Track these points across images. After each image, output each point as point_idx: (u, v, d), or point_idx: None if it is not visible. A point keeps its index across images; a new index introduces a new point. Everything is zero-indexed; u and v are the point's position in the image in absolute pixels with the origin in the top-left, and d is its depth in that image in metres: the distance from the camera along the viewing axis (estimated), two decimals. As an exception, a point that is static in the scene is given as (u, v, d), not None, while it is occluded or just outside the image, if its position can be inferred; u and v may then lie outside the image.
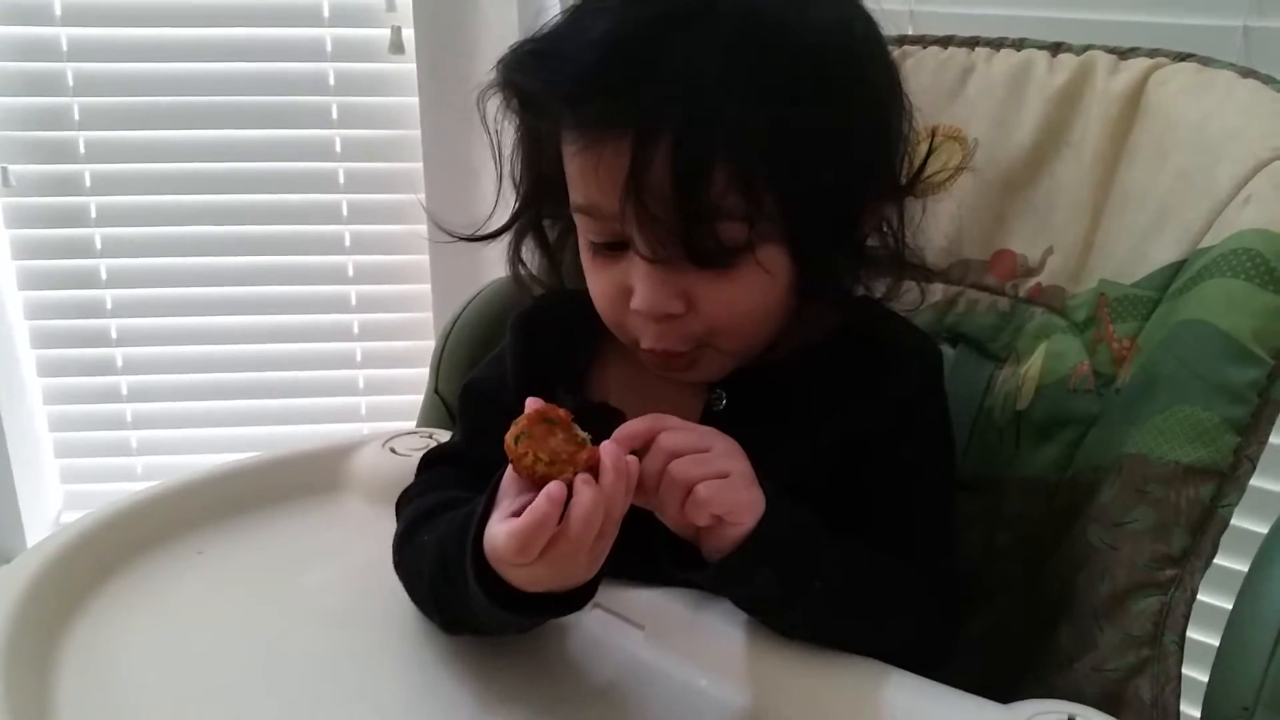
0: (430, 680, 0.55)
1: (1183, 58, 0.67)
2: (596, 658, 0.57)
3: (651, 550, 0.58)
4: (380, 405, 1.52)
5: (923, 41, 0.79)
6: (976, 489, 0.69)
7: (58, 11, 1.32)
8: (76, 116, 1.37)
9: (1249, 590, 0.54)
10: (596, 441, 0.50)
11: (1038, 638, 0.62)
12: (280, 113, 1.38)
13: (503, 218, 0.65)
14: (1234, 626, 0.53)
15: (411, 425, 0.84)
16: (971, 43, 0.77)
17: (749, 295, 0.55)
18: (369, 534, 0.64)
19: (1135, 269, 0.63)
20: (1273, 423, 0.54)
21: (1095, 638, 0.57)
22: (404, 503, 0.64)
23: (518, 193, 0.63)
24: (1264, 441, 0.54)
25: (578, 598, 0.53)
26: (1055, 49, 0.73)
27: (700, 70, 0.50)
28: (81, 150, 1.39)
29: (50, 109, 1.37)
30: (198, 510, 0.70)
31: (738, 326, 0.57)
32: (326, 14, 1.34)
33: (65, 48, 1.34)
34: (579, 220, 0.58)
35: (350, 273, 1.46)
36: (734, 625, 0.56)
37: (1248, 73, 0.63)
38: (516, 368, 0.65)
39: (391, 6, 1.32)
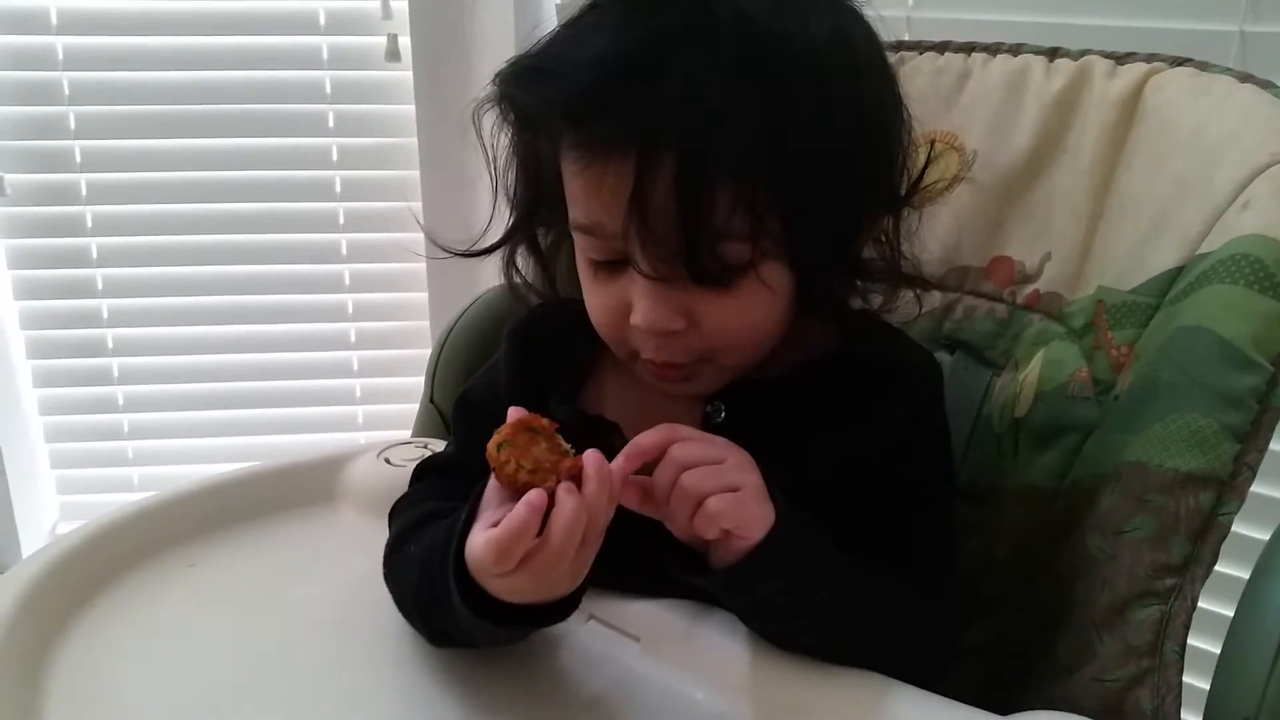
0: (423, 693, 0.55)
1: (1180, 62, 0.67)
2: (591, 669, 0.57)
3: (647, 562, 0.58)
4: (377, 414, 1.51)
5: (919, 47, 0.78)
6: (974, 497, 0.69)
7: (54, 20, 1.32)
8: (72, 125, 1.37)
9: (1250, 598, 0.54)
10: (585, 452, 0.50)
11: (1036, 648, 0.61)
12: (276, 121, 1.38)
13: (498, 232, 0.64)
14: (1235, 635, 0.53)
15: (407, 435, 0.84)
16: (968, 48, 0.76)
17: (750, 312, 0.55)
18: (363, 546, 0.64)
19: (1133, 275, 0.63)
20: (1273, 430, 0.54)
21: (1095, 647, 0.56)
22: (396, 513, 0.63)
23: (513, 206, 0.63)
24: (1264, 449, 0.54)
25: (561, 609, 0.52)
26: (1052, 54, 0.72)
27: (703, 89, 0.49)
28: (77, 159, 1.38)
29: (46, 117, 1.36)
30: (190, 523, 0.69)
31: (739, 342, 0.57)
32: (323, 21, 1.34)
33: (61, 56, 1.34)
34: (578, 238, 0.57)
35: (347, 281, 1.46)
36: (731, 637, 0.56)
37: (1245, 77, 0.63)
38: (511, 379, 0.64)
39: (388, 14, 1.32)
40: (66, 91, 1.35)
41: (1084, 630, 0.57)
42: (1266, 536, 0.56)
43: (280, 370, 1.49)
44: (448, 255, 0.65)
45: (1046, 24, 1.00)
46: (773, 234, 0.52)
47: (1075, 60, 0.71)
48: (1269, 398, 0.53)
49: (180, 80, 1.36)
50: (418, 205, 1.37)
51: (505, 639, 0.56)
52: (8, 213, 1.40)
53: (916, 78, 0.77)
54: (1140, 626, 0.55)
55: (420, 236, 1.38)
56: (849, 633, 0.54)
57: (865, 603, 0.55)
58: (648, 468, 0.51)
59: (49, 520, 1.53)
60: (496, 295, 0.85)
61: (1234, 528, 0.54)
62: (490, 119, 0.59)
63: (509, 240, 0.64)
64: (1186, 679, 0.54)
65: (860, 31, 0.56)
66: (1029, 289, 0.71)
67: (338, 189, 1.42)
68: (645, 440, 0.51)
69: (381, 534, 0.62)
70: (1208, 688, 0.54)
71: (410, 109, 1.35)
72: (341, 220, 1.43)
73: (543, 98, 0.54)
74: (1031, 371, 0.68)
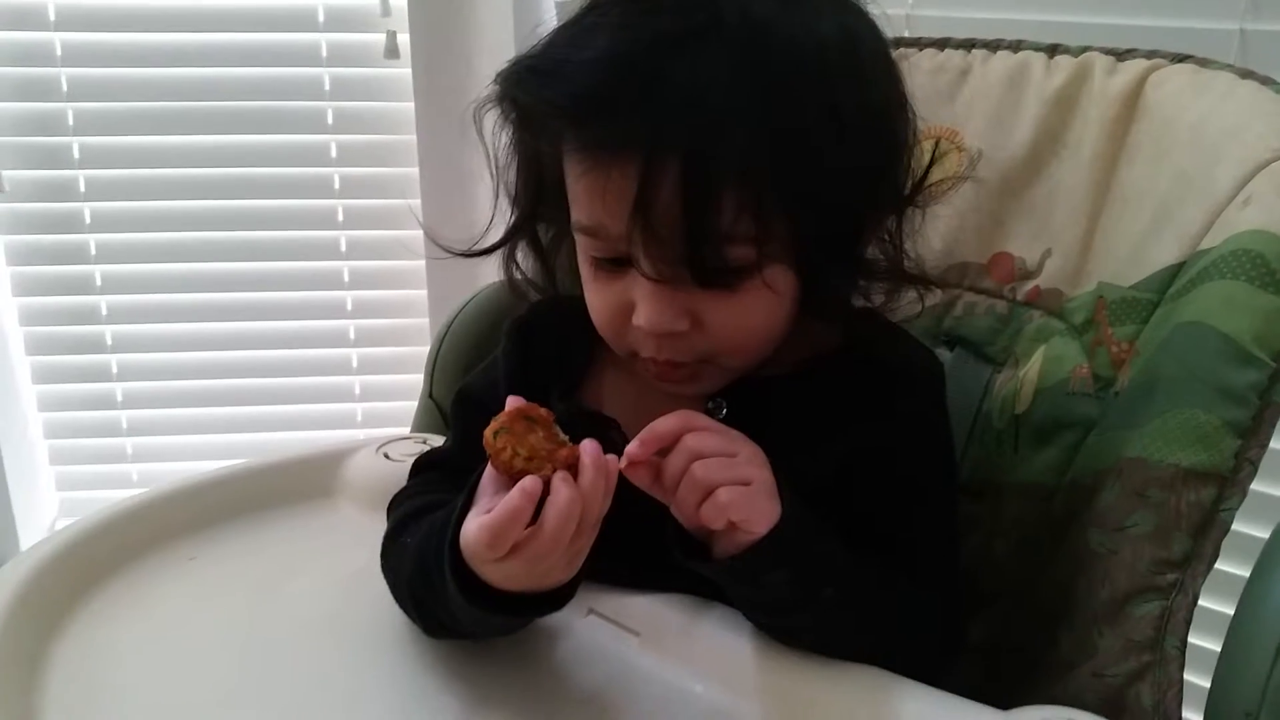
0: (422, 686, 0.55)
1: (1180, 59, 0.67)
2: (590, 664, 0.56)
3: (647, 555, 0.58)
4: (377, 412, 1.51)
5: (919, 44, 0.78)
6: (975, 494, 0.69)
7: (52, 16, 1.32)
8: (71, 121, 1.37)
9: (1251, 595, 0.54)
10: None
11: (1037, 644, 0.61)
12: (275, 118, 1.38)
13: (498, 231, 0.64)
14: (1236, 632, 0.53)
15: (406, 431, 0.84)
16: (968, 45, 0.76)
17: (754, 314, 0.55)
18: (362, 540, 0.64)
19: (1134, 271, 0.63)
20: (1274, 425, 0.54)
21: (1095, 643, 0.56)
22: (394, 507, 0.63)
23: (513, 205, 0.62)
24: (1265, 444, 0.54)
25: (555, 599, 0.52)
26: (1052, 50, 0.72)
27: (708, 92, 0.49)
28: (76, 155, 1.38)
29: (45, 114, 1.36)
30: (189, 516, 0.69)
31: (743, 344, 0.57)
32: (322, 19, 1.34)
33: (60, 52, 1.34)
34: (580, 238, 0.57)
35: (346, 278, 1.46)
36: (730, 632, 0.56)
37: (1246, 73, 0.63)
38: (510, 374, 0.64)
39: (387, 11, 1.32)
40: (65, 88, 1.35)
41: (1085, 626, 0.57)
42: (1267, 535, 0.56)
43: (280, 367, 1.49)
44: (448, 255, 0.65)
45: (1046, 21, 1.00)
46: (778, 237, 0.52)
47: (1075, 57, 0.71)
48: (1270, 393, 0.53)
49: (179, 77, 1.36)
50: (417, 203, 1.37)
51: (500, 628, 0.56)
52: (6, 209, 1.40)
53: (916, 74, 0.76)
54: (1141, 622, 0.55)
55: (420, 234, 1.38)
56: (852, 628, 0.54)
57: (869, 599, 0.55)
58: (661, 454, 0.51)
59: (48, 516, 1.53)
60: (495, 291, 0.85)
61: (1235, 526, 0.54)
62: (491, 118, 0.59)
63: (510, 240, 0.64)
64: (1187, 677, 0.54)
65: (866, 31, 0.56)
66: (1029, 285, 0.71)
67: (337, 186, 1.41)
68: (661, 426, 0.51)
69: (380, 529, 0.62)
70: (1208, 685, 0.54)
71: (409, 106, 1.35)
72: (340, 217, 1.43)
73: (545, 99, 0.53)
74: (1032, 368, 0.68)
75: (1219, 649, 0.54)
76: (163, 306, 1.45)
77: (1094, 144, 0.68)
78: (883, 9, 0.58)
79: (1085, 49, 0.71)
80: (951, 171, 0.74)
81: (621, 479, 0.51)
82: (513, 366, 0.64)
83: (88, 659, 0.56)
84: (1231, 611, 0.54)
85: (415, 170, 1.37)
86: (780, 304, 0.56)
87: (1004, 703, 0.51)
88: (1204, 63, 0.66)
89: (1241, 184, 0.58)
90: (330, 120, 1.39)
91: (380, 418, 1.51)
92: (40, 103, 1.36)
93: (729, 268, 0.52)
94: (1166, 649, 0.54)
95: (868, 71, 0.55)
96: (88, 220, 1.41)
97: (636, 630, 0.58)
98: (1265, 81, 0.62)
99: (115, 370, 1.48)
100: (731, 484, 0.49)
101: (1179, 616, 0.54)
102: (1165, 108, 0.65)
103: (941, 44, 0.77)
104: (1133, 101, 0.67)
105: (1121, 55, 0.69)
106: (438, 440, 0.75)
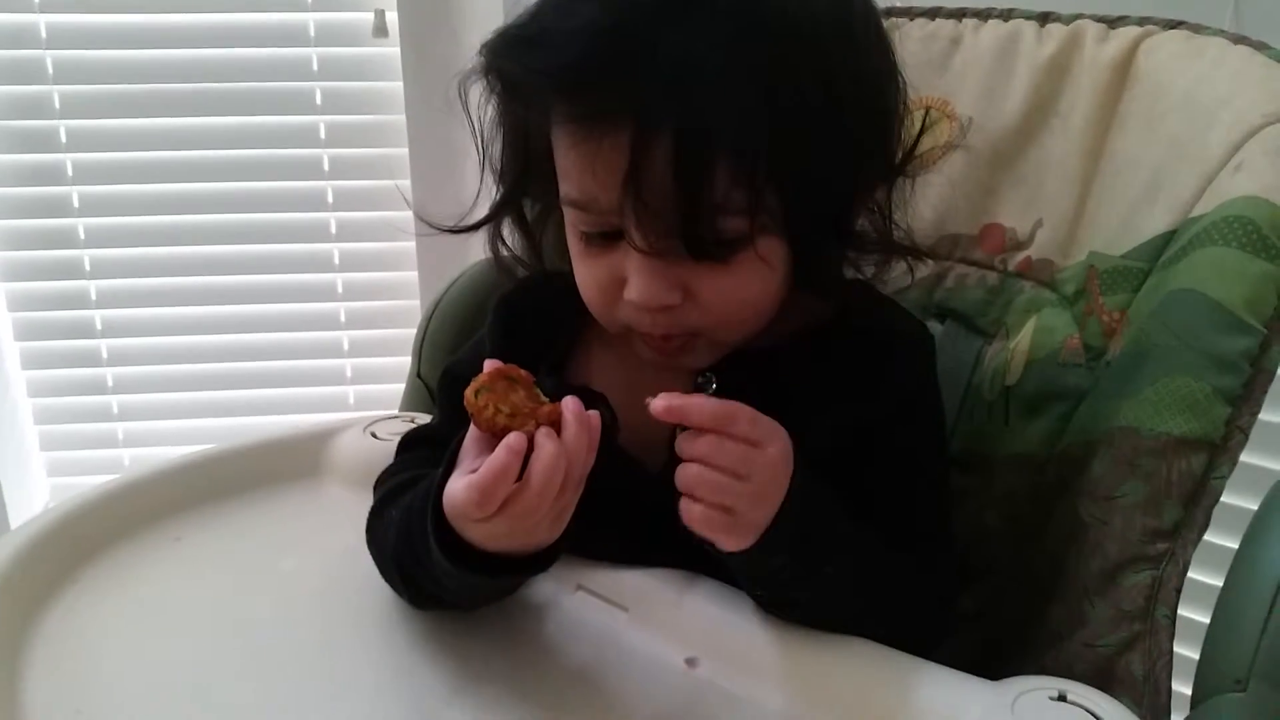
0: (409, 663, 0.54)
1: (1173, 25, 0.66)
2: (579, 638, 0.56)
3: (634, 530, 0.57)
4: (368, 394, 1.51)
5: (909, 13, 0.77)
6: (966, 467, 0.68)
7: (36, -1, 1.31)
8: (57, 105, 1.36)
9: (1241, 563, 0.53)
10: None
11: (1028, 615, 0.61)
12: (263, 98, 1.37)
13: (485, 208, 0.63)
14: (1226, 600, 0.52)
15: (396, 411, 0.83)
16: (958, 14, 0.75)
17: (747, 286, 0.54)
18: (349, 519, 0.63)
19: (1125, 240, 0.62)
20: (1265, 393, 0.54)
21: (1086, 613, 0.56)
22: (380, 484, 0.63)
23: (499, 180, 0.62)
24: (1256, 412, 0.53)
25: (540, 561, 0.52)
26: (1043, 19, 0.71)
27: (700, 61, 0.48)
28: (63, 139, 1.37)
29: (30, 97, 1.35)
30: (175, 497, 0.68)
31: (735, 317, 0.56)
32: (309, -2, 1.33)
33: (44, 34, 1.32)
34: (569, 212, 0.56)
35: (336, 260, 1.45)
36: (719, 606, 0.56)
37: (1239, 39, 0.62)
38: (496, 352, 0.63)
39: (374, -10, 1.31)
40: (50, 70, 1.34)
41: (1076, 596, 0.57)
42: (1256, 507, 0.55)
43: (270, 350, 1.48)
44: (436, 231, 0.64)
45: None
46: (770, 208, 0.51)
47: (1067, 25, 0.70)
48: (1261, 360, 0.53)
49: (166, 58, 1.35)
50: (406, 184, 1.36)
51: (484, 593, 0.55)
52: (-6, 194, 1.39)
53: (907, 44, 0.76)
54: (1132, 591, 0.55)
55: (409, 215, 1.38)
56: (847, 601, 0.53)
57: (866, 574, 0.54)
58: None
59: (39, 502, 1.53)
60: (483, 269, 0.84)
61: (1225, 498, 0.54)
62: (476, 93, 0.58)
63: (497, 215, 0.63)
64: (1177, 649, 0.54)
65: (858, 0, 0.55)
66: (1020, 256, 0.70)
67: (326, 167, 1.41)
68: (697, 412, 0.48)
69: (368, 508, 0.61)
70: (1197, 657, 0.54)
71: (398, 86, 1.34)
72: (330, 199, 1.42)
73: (532, 69, 0.52)
74: (1022, 339, 0.68)
75: (1208, 622, 0.54)
76: (152, 290, 1.45)
77: (1085, 112, 0.67)
78: (872, -25, 0.57)
79: (1077, 17, 0.70)
80: (943, 140, 0.73)
81: (608, 453, 0.50)
82: (499, 344, 0.64)
83: (72, 639, 0.56)
84: (1221, 584, 0.54)
85: (404, 150, 1.36)
86: (773, 276, 0.55)
87: (995, 673, 0.51)
88: (1196, 29, 0.65)
89: (1234, 150, 0.57)
90: (319, 101, 1.38)
91: (372, 400, 1.50)
92: (26, 85, 1.34)
93: (722, 239, 0.52)
94: (1157, 618, 0.54)
95: (860, 40, 0.54)
96: (76, 204, 1.40)
97: (625, 605, 0.58)
98: (1258, 47, 0.62)
99: (105, 355, 1.47)
100: (712, 507, 0.48)
101: (1170, 586, 0.54)
102: (1157, 75, 0.64)
103: (933, 13, 0.76)
104: (1124, 69, 0.66)
105: (1113, 23, 0.68)
106: (425, 419, 0.75)
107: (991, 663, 0.53)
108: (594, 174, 0.51)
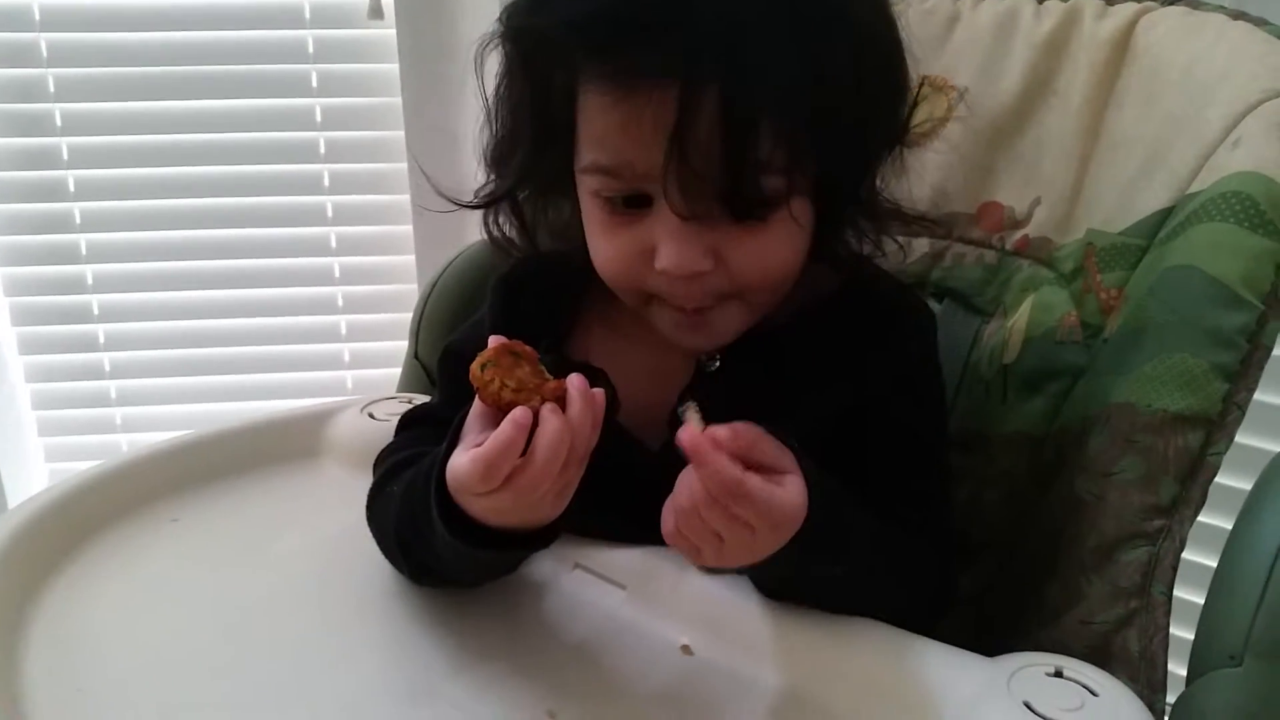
0: (407, 641, 0.54)
1: (1171, 2, 0.66)
2: (577, 617, 0.56)
3: (631, 509, 0.57)
4: (366, 379, 1.50)
5: (908, -10, 0.77)
6: (964, 445, 0.68)
7: (29, -19, 1.30)
8: (52, 88, 1.35)
9: (1236, 541, 0.53)
10: None
11: (1025, 592, 0.61)
12: (259, 81, 1.36)
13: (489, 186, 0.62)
14: (1221, 576, 0.52)
15: (393, 392, 0.83)
16: (957, -9, 0.75)
17: (778, 248, 0.54)
18: (347, 500, 0.63)
19: (1123, 217, 0.62)
20: (1262, 369, 0.54)
21: (1083, 590, 0.56)
22: (379, 463, 0.63)
23: (505, 160, 0.60)
24: (1253, 388, 0.53)
25: (542, 536, 0.52)
26: (1041, -5, 0.71)
27: (741, 18, 0.47)
28: (58, 123, 1.36)
29: (25, 81, 1.34)
30: (172, 477, 0.69)
31: (766, 280, 0.55)
32: (304, -21, 1.32)
33: (38, 17, 1.31)
34: (595, 180, 0.54)
35: (333, 244, 1.44)
36: (717, 584, 0.56)
37: (1238, 15, 0.62)
38: (497, 331, 0.63)
39: (370, -29, 1.30)
40: (45, 54, 1.33)
41: (1072, 573, 0.57)
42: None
43: (268, 335, 1.48)
44: (439, 209, 0.63)
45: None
46: (805, 167, 0.51)
47: (1065, 2, 0.70)
48: (1259, 336, 0.53)
49: (161, 41, 1.34)
50: (403, 166, 1.35)
51: (485, 567, 0.55)
52: (-11, 179, 1.38)
53: (905, 22, 0.75)
54: (1128, 568, 0.55)
55: (407, 199, 1.37)
56: (857, 593, 0.53)
57: (876, 565, 0.54)
58: None
59: (38, 487, 1.52)
60: (479, 250, 0.84)
61: (1220, 478, 0.54)
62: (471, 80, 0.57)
63: (514, 190, 0.61)
64: (1172, 629, 0.54)
65: None
66: (1018, 234, 0.70)
67: (322, 150, 1.40)
68: (723, 433, 0.45)
69: (365, 488, 0.61)
70: (1192, 637, 0.54)
71: (394, 68, 1.33)
72: (327, 182, 1.41)
73: (564, 21, 0.50)
74: (1020, 317, 0.68)
75: (1203, 602, 0.54)
76: (150, 275, 1.44)
77: (1083, 90, 0.67)
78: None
79: (1075, -8, 0.70)
80: (938, 113, 0.73)
81: (608, 430, 0.50)
82: (498, 323, 0.63)
83: (71, 619, 0.56)
84: (1215, 564, 0.54)
85: (401, 133, 1.35)
86: (802, 238, 0.55)
87: (991, 650, 0.51)
88: (1195, 5, 0.65)
89: (1232, 125, 0.57)
90: (315, 83, 1.37)
91: (370, 384, 1.50)
92: (20, 69, 1.33)
93: (764, 199, 0.51)
94: (1153, 595, 0.54)
95: (881, 9, 0.55)
96: (72, 188, 1.39)
97: (623, 584, 0.58)
98: (1257, 23, 0.61)
99: (102, 340, 1.46)
100: (705, 540, 0.47)
101: (1166, 562, 0.54)
102: (1156, 51, 0.64)
103: (930, -10, 0.76)
104: (1123, 46, 0.66)
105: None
106: (423, 400, 0.75)
107: (988, 639, 0.53)
108: (635, 135, 0.50)
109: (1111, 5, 0.68)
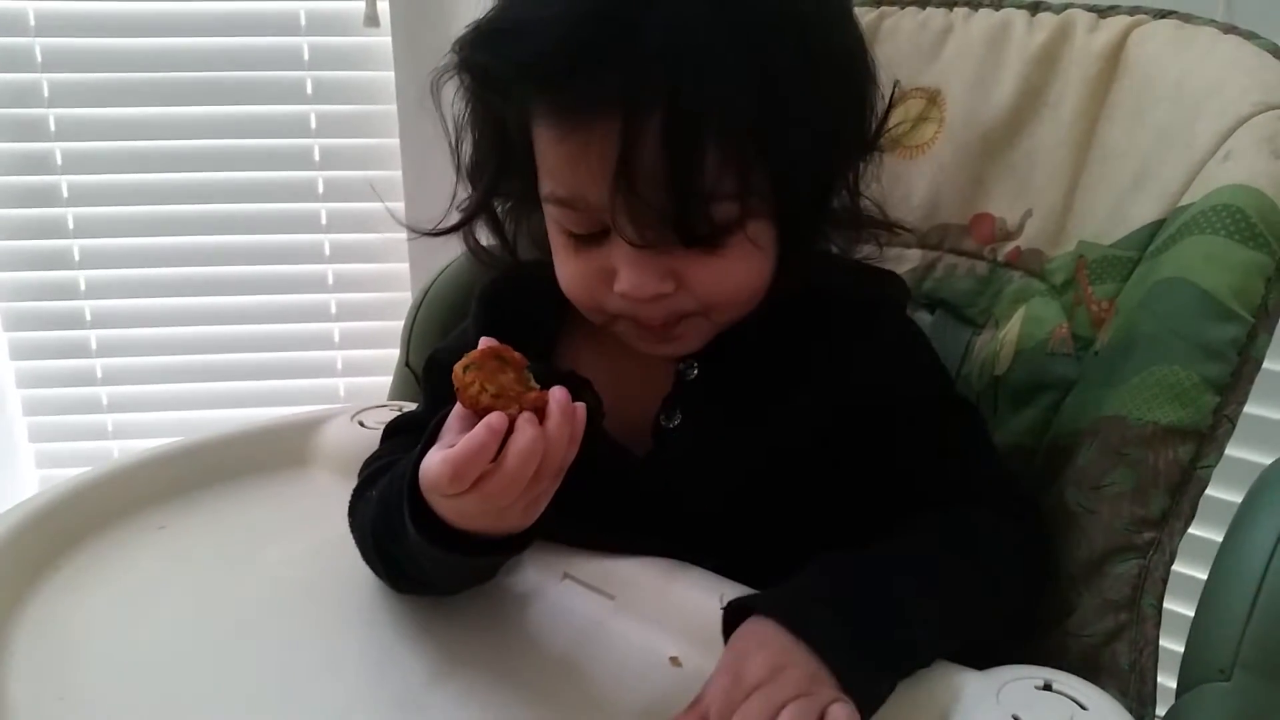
0: (397, 650, 0.54)
1: (1163, 15, 0.66)
2: (566, 626, 0.56)
3: (624, 515, 0.57)
4: (359, 386, 1.50)
5: (900, 2, 0.77)
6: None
7: (25, -13, 1.30)
8: (46, 93, 1.35)
9: (1226, 554, 0.53)
10: None
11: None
12: (254, 88, 1.36)
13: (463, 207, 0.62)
14: (1211, 589, 0.52)
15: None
16: (949, 3, 0.75)
17: (738, 271, 0.54)
18: (337, 508, 0.63)
19: (1114, 229, 0.62)
20: (1252, 382, 0.53)
21: (1073, 602, 0.56)
22: (364, 470, 0.63)
23: (474, 182, 0.60)
24: (1243, 401, 0.53)
25: (512, 544, 0.52)
26: (1034, 8, 0.71)
27: (685, 42, 0.47)
28: (52, 129, 1.36)
29: (19, 86, 1.34)
30: (160, 485, 0.68)
31: (728, 301, 0.55)
32: (300, -13, 1.32)
33: (33, 21, 1.31)
34: (553, 210, 0.55)
35: (327, 252, 1.44)
36: (705, 594, 0.55)
37: (1229, 29, 0.62)
38: (479, 341, 0.63)
39: (365, -22, 1.30)
40: (39, 59, 1.33)
41: (1062, 586, 0.57)
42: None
43: (261, 342, 1.48)
44: (416, 236, 0.63)
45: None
46: (759, 190, 0.51)
47: (1057, 14, 0.70)
48: (1249, 349, 0.53)
49: (156, 47, 1.34)
50: (397, 174, 1.35)
51: (458, 571, 0.55)
52: (-18, 183, 1.38)
53: (898, 33, 0.76)
54: (1118, 581, 0.54)
55: (400, 207, 1.37)
56: (952, 625, 0.51)
57: (951, 595, 0.52)
58: None
59: (28, 493, 1.51)
60: (472, 258, 0.84)
61: (1210, 491, 0.54)
62: (450, 92, 0.57)
63: (473, 217, 0.62)
64: (1162, 643, 0.54)
65: None
66: (1010, 246, 0.70)
67: (316, 158, 1.40)
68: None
69: (355, 496, 0.61)
70: (1181, 650, 0.54)
71: (389, 75, 1.33)
72: (321, 190, 1.41)
73: (512, 63, 0.51)
74: (1011, 329, 0.68)
75: (1193, 614, 0.54)
76: (142, 281, 1.44)
77: (1075, 102, 0.67)
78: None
79: (1067, 6, 0.70)
80: (930, 136, 0.73)
81: (594, 438, 0.50)
82: (483, 333, 0.63)
83: (56, 627, 0.55)
84: (1205, 577, 0.54)
85: (396, 141, 1.35)
86: (763, 258, 0.55)
87: (981, 664, 0.50)
88: (1187, 18, 0.65)
89: (1223, 139, 0.57)
90: (310, 91, 1.37)
91: (362, 392, 1.49)
92: (14, 74, 1.33)
93: (714, 225, 0.51)
94: (1143, 608, 0.54)
95: (832, 14, 0.54)
96: (65, 194, 1.39)
97: (612, 594, 0.57)
98: (1248, 36, 0.61)
99: (94, 346, 1.46)
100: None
101: (1156, 575, 0.54)
102: (1147, 64, 0.64)
103: (923, 2, 0.76)
104: (1114, 59, 0.66)
105: (1104, 12, 0.68)
106: (414, 408, 0.74)
107: (978, 652, 0.53)
108: (584, 167, 0.50)
109: (1103, 18, 0.68)
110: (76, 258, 1.42)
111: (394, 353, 0.89)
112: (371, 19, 1.31)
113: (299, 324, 1.47)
